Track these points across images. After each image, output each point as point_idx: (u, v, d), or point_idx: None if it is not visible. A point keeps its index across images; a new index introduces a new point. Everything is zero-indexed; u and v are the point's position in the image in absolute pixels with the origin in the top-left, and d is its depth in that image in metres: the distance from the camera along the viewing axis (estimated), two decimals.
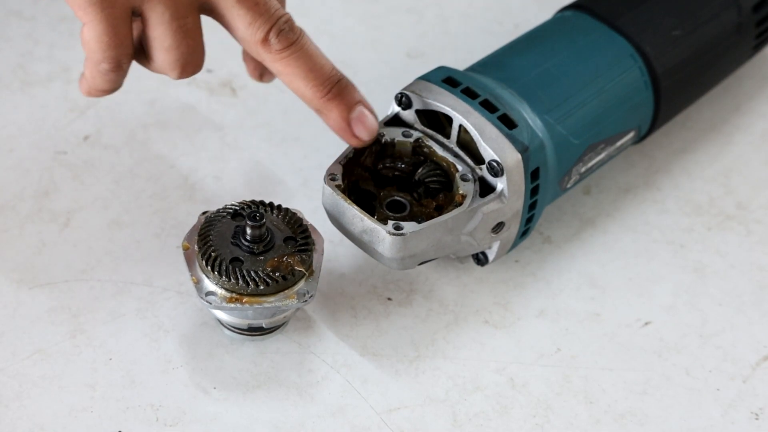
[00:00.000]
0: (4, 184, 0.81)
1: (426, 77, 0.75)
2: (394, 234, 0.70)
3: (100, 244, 0.78)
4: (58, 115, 0.86)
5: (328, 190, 0.72)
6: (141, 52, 0.70)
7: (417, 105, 0.74)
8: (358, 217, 0.71)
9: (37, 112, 0.86)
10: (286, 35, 0.68)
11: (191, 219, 0.75)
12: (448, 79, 0.75)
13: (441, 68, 0.76)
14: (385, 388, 0.72)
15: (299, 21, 0.71)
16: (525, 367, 0.74)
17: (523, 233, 0.76)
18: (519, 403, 0.72)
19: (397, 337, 0.75)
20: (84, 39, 0.67)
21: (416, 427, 0.71)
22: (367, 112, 0.71)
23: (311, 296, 0.71)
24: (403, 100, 0.75)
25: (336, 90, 0.70)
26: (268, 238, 0.71)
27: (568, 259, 0.80)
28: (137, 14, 0.67)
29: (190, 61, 0.69)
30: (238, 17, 0.67)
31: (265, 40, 0.68)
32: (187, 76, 0.70)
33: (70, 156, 0.83)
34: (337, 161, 0.73)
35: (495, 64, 0.77)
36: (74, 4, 0.66)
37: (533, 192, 0.74)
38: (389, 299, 0.77)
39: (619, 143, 0.80)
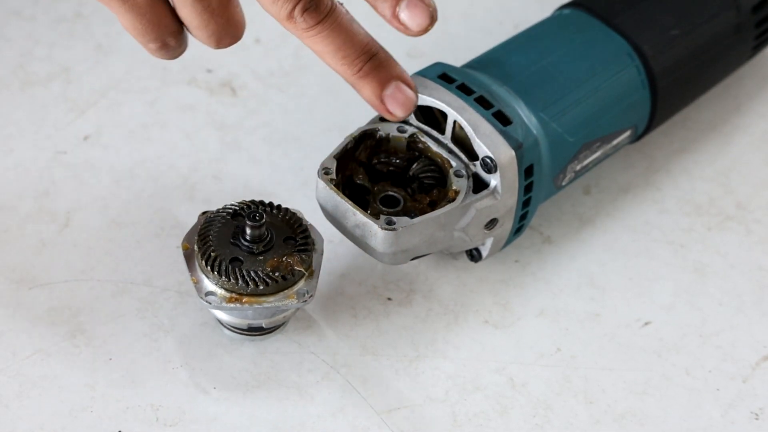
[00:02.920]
0: (4, 184, 0.81)
1: (422, 73, 0.75)
2: (386, 229, 0.70)
3: (100, 244, 0.78)
4: (58, 115, 0.86)
5: (322, 184, 0.72)
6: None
7: None
8: (351, 212, 0.71)
9: (37, 112, 0.86)
10: (312, 12, 0.65)
11: (191, 219, 0.75)
12: (443, 75, 0.75)
13: (437, 64, 0.76)
14: (385, 388, 0.72)
15: None
16: (525, 367, 0.74)
17: (517, 230, 0.76)
18: (519, 403, 0.72)
19: (397, 337, 0.75)
20: (122, 26, 0.68)
21: (416, 427, 0.71)
22: (403, 87, 0.67)
23: (311, 296, 0.71)
24: None
25: (369, 66, 0.67)
26: (268, 238, 0.71)
27: (568, 259, 0.80)
28: None
29: (224, 35, 0.67)
30: None
31: (291, 17, 0.65)
32: (227, 46, 0.68)
33: (70, 156, 0.83)
34: (332, 155, 0.73)
35: (491, 61, 0.77)
36: (102, 1, 0.66)
37: (527, 189, 0.74)
38: (389, 299, 0.77)
39: (615, 142, 0.80)
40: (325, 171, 0.72)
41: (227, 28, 0.67)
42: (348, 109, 0.86)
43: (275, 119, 0.87)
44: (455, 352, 0.74)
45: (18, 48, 0.90)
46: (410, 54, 0.93)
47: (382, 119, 0.75)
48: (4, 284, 0.75)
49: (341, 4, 0.66)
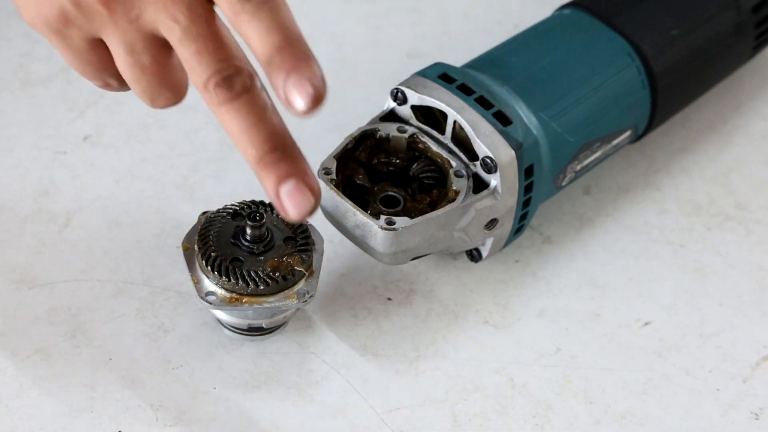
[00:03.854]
0: (4, 184, 0.81)
1: (422, 73, 0.75)
2: (386, 229, 0.70)
3: (100, 244, 0.78)
4: (58, 115, 0.86)
5: (322, 184, 0.72)
6: None
7: (412, 100, 0.74)
8: (351, 212, 0.71)
9: (37, 112, 0.86)
10: (226, 88, 0.60)
11: (191, 219, 0.75)
12: (443, 75, 0.75)
13: (437, 64, 0.76)
14: (385, 388, 0.72)
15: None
16: (525, 367, 0.74)
17: (517, 230, 0.76)
18: (519, 403, 0.72)
19: (397, 337, 0.75)
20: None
21: (416, 427, 0.71)
22: (302, 188, 0.59)
23: (311, 296, 0.71)
24: (398, 96, 0.75)
25: (271, 158, 0.60)
26: (268, 238, 0.71)
27: (568, 259, 0.80)
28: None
29: (158, 95, 0.64)
30: (182, 58, 0.62)
31: (205, 88, 0.61)
32: (162, 107, 0.65)
33: (70, 156, 0.83)
34: (332, 155, 0.73)
35: (491, 61, 0.77)
36: (41, 34, 0.66)
37: (527, 189, 0.74)
38: (389, 299, 0.77)
39: (615, 142, 0.80)
40: (325, 171, 0.72)
41: (160, 89, 0.64)
42: (348, 109, 0.86)
43: None
44: (455, 352, 0.74)
45: (18, 48, 0.90)
46: (410, 54, 0.93)
47: (382, 119, 0.75)
48: (4, 284, 0.75)
49: (263, 89, 0.61)
